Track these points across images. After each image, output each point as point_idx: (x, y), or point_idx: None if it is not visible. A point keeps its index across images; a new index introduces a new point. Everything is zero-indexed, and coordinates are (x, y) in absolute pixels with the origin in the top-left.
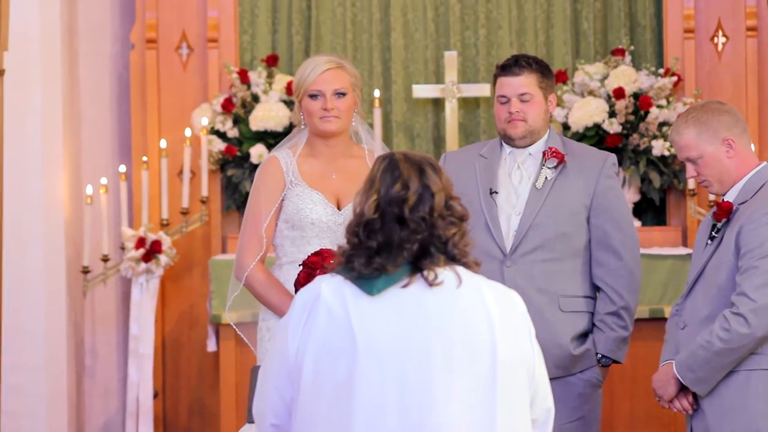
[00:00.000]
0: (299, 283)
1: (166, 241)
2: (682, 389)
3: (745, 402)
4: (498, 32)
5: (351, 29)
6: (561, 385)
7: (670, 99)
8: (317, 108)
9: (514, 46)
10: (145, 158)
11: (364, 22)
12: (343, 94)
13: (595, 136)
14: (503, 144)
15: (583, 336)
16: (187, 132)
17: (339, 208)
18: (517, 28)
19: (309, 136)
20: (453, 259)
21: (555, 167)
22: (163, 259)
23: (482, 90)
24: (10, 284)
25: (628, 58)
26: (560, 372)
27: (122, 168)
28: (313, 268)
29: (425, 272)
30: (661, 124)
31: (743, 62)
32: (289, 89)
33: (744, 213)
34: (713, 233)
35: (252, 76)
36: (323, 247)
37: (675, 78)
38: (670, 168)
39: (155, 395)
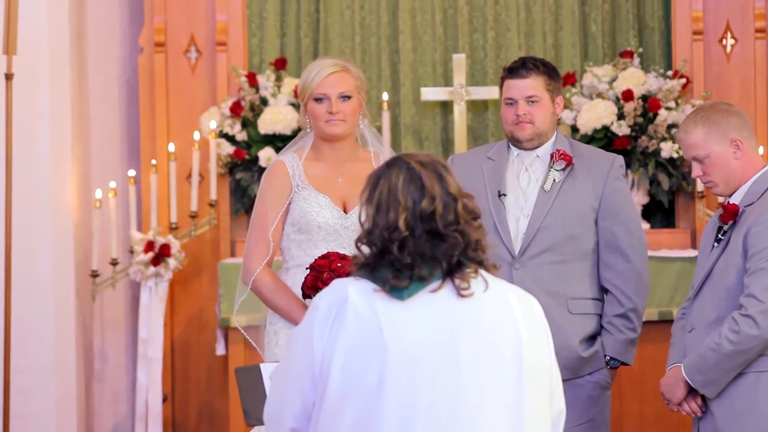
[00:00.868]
0: (306, 287)
1: (175, 245)
2: (691, 392)
3: (754, 404)
4: (506, 35)
5: (359, 32)
6: (570, 388)
7: (679, 101)
8: (322, 111)
9: (522, 48)
10: (154, 162)
11: (373, 25)
12: (348, 97)
13: (603, 139)
14: (510, 146)
15: (592, 338)
16: (196, 135)
17: (345, 212)
18: (526, 30)
19: (315, 139)
20: (479, 263)
21: (563, 169)
22: (172, 262)
23: (491, 93)
24: (20, 288)
25: (636, 60)
26: (569, 374)
27: (131, 172)
28: (320, 271)
29: (456, 281)
30: (670, 126)
31: (752, 64)
32: (297, 92)
33: (751, 215)
34: (719, 236)
35: (260, 79)
36: (330, 251)
37: (684, 80)
38: (679, 170)
39: (164, 399)
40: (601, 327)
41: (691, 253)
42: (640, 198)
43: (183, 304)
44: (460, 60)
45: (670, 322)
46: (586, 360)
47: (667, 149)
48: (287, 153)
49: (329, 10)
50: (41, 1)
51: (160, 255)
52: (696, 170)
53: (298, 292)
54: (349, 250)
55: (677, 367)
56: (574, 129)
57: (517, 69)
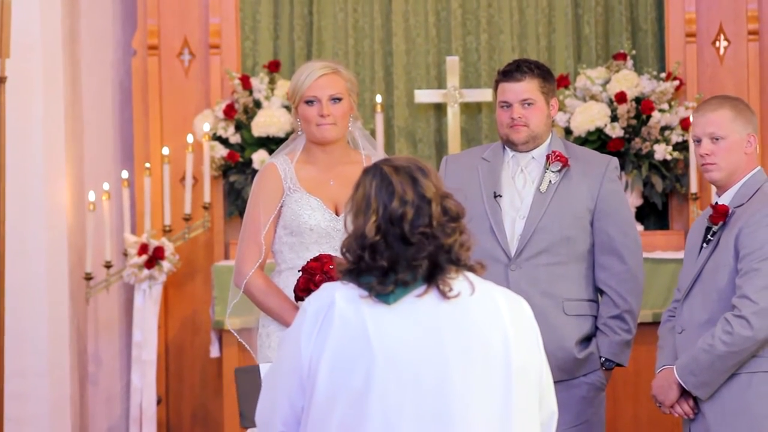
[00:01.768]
0: (298, 289)
1: (169, 248)
2: (683, 394)
3: (747, 405)
4: (500, 37)
5: (353, 35)
6: (565, 389)
7: (672, 103)
8: (313, 114)
9: (515, 50)
10: (147, 164)
11: (366, 27)
12: (339, 99)
13: (597, 141)
14: (505, 147)
15: (587, 339)
16: (189, 138)
17: (337, 214)
18: (519, 32)
19: (306, 142)
20: (459, 264)
21: (559, 171)
22: (165, 265)
23: (484, 95)
24: (13, 291)
25: (629, 62)
26: (564, 375)
27: (125, 174)
28: (312, 273)
29: (440, 285)
30: (663, 128)
31: (745, 66)
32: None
33: (741, 216)
34: (709, 236)
35: (254, 81)
36: (322, 253)
37: (677, 82)
38: (673, 172)
39: (158, 401)
40: (596, 328)
41: None
42: (633, 200)
43: (177, 306)
44: (453, 62)
45: None
46: (582, 361)
47: (661, 151)
48: (279, 156)
49: (322, 12)
50: (34, 4)
51: (154, 258)
52: (706, 147)
53: (291, 295)
54: (340, 253)
55: (669, 369)
56: (568, 131)
57: (512, 72)
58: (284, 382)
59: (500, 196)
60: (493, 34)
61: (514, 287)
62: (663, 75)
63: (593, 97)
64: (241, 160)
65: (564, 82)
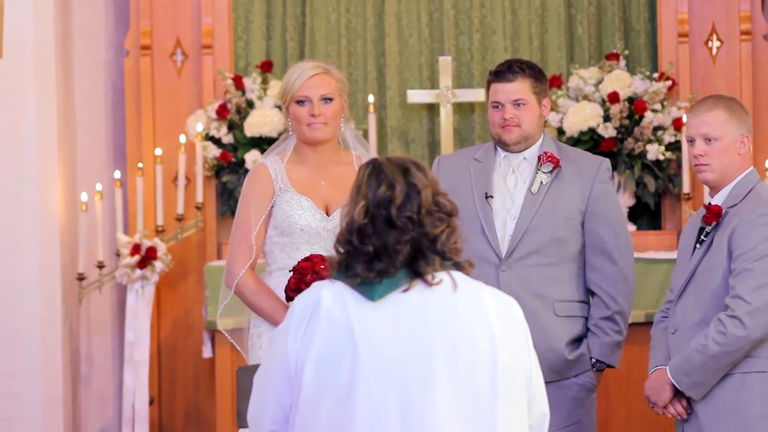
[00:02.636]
0: (289, 289)
1: (162, 248)
2: (676, 394)
3: (740, 405)
4: (492, 37)
5: (345, 35)
6: (555, 390)
7: (665, 103)
8: (304, 114)
9: (508, 51)
10: (140, 165)
11: (359, 28)
12: (330, 99)
13: (590, 141)
14: (497, 148)
15: (578, 341)
16: (182, 138)
17: (328, 214)
18: (512, 33)
19: (297, 142)
20: (445, 258)
21: (550, 172)
22: (158, 265)
23: (477, 95)
24: (5, 291)
25: (622, 62)
26: (555, 376)
27: (117, 174)
28: (303, 273)
29: (423, 274)
30: (656, 129)
31: (737, 66)
32: None
33: (734, 217)
34: (702, 237)
35: (246, 82)
36: (313, 253)
37: (669, 82)
38: (665, 172)
39: (151, 402)
40: (587, 329)
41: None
42: (626, 200)
43: (169, 306)
44: (446, 62)
45: None
46: (572, 362)
47: (654, 151)
48: (269, 156)
49: (315, 12)
50: (27, 5)
51: (147, 258)
52: (699, 148)
53: (282, 295)
54: (331, 253)
55: (662, 369)
56: (561, 131)
57: (504, 72)
58: (273, 381)
59: (491, 196)
60: (486, 35)
61: (505, 288)
62: (656, 75)
63: (586, 97)
64: (233, 160)
65: (557, 82)
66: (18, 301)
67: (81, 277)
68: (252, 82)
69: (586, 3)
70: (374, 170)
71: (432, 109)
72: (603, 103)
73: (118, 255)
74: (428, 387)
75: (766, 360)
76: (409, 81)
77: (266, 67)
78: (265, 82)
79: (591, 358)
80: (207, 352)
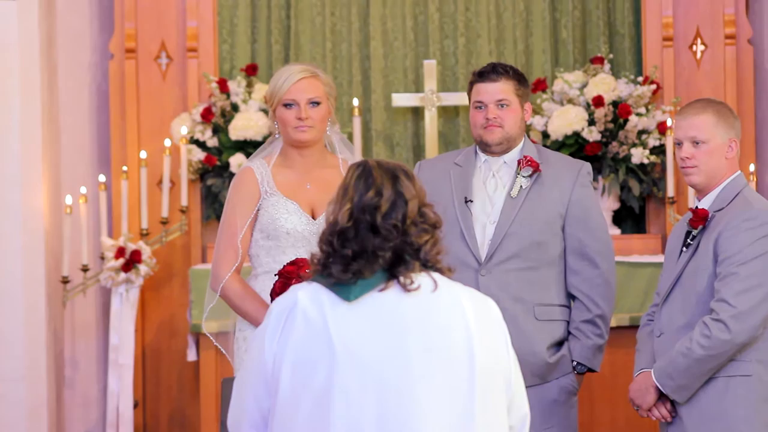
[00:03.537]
0: (275, 293)
1: (146, 251)
2: (661, 397)
3: (724, 408)
4: (477, 41)
5: (330, 38)
6: (537, 393)
7: (649, 107)
8: (292, 117)
9: (493, 54)
10: (124, 168)
11: (344, 31)
12: (318, 103)
13: (574, 145)
14: (478, 152)
15: (559, 344)
16: (167, 142)
17: (314, 218)
18: (497, 36)
19: (283, 145)
20: (426, 266)
21: (530, 176)
22: (142, 268)
23: (462, 99)
24: None
25: (607, 66)
26: (536, 380)
27: (102, 178)
28: (288, 277)
29: (401, 278)
30: (641, 132)
31: (722, 70)
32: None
33: (721, 220)
34: (689, 240)
35: (231, 85)
36: (299, 257)
37: (654, 86)
38: (650, 176)
39: (135, 405)
40: (569, 333)
41: (662, 258)
42: (610, 203)
43: (154, 310)
44: (431, 66)
45: None
46: (553, 365)
47: (638, 155)
48: (255, 160)
49: (300, 16)
50: (11, 8)
51: (131, 261)
52: (686, 150)
53: (267, 299)
54: (317, 245)
55: (647, 372)
56: (545, 135)
57: (488, 73)
58: (251, 384)
59: (471, 201)
60: (471, 38)
61: (485, 292)
62: (640, 79)
63: (570, 101)
64: (218, 163)
65: (541, 85)
66: (2, 304)
67: (65, 281)
68: (237, 86)
69: (571, 7)
70: (363, 174)
71: (417, 112)
72: (588, 106)
73: (102, 258)
74: (405, 386)
75: (751, 364)
76: (393, 84)
77: (251, 71)
78: (249, 85)
79: (572, 361)
80: (191, 356)
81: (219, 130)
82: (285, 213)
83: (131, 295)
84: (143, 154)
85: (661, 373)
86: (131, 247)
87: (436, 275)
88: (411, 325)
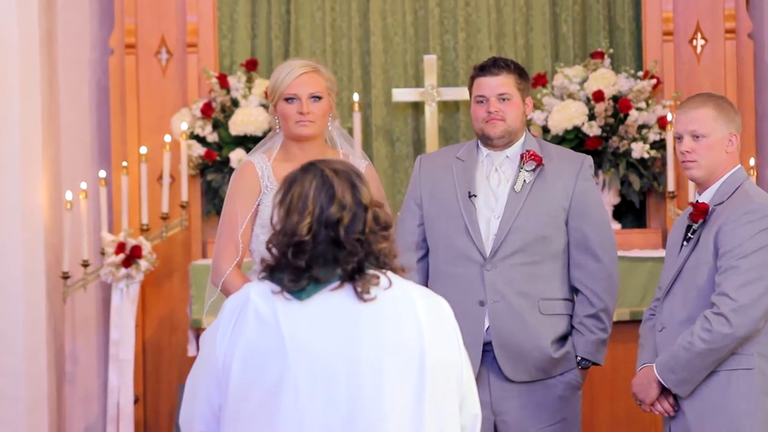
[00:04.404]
0: None
1: (146, 246)
2: (663, 391)
3: (726, 402)
4: (477, 36)
5: (330, 33)
6: (541, 388)
7: (650, 101)
8: (293, 112)
9: (493, 49)
10: (124, 163)
11: (344, 26)
12: (319, 98)
13: (574, 139)
14: (480, 146)
15: (563, 339)
16: (167, 137)
17: None
18: (497, 31)
19: (284, 140)
20: (382, 267)
21: (533, 170)
22: (143, 264)
23: (462, 93)
24: None
25: (607, 61)
26: (540, 375)
27: (102, 173)
28: None
29: (358, 287)
30: (641, 127)
31: (722, 64)
32: (267, 93)
33: (721, 214)
34: (689, 234)
35: (231, 80)
36: None
37: (654, 80)
38: (650, 170)
39: (136, 400)
40: (572, 327)
41: (662, 253)
42: (611, 198)
43: (154, 305)
44: (431, 61)
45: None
46: (558, 360)
47: (638, 150)
48: (256, 154)
49: (300, 11)
50: (11, 4)
51: (132, 256)
52: (687, 144)
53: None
54: (266, 248)
55: (649, 367)
56: (545, 130)
57: (489, 67)
58: (202, 381)
59: (475, 195)
60: (471, 33)
61: (490, 287)
62: (640, 73)
63: (571, 96)
64: (218, 158)
65: (541, 80)
66: (2, 300)
67: (66, 276)
68: (237, 81)
69: (571, 1)
70: (323, 184)
71: (417, 107)
72: (588, 101)
73: (102, 254)
74: (355, 383)
75: (752, 357)
76: (394, 79)
77: (251, 66)
78: (249, 80)
79: (576, 356)
80: (192, 351)
81: (219, 126)
82: None
83: (131, 290)
84: (143, 150)
85: (663, 368)
86: (131, 242)
87: (390, 274)
88: (362, 323)
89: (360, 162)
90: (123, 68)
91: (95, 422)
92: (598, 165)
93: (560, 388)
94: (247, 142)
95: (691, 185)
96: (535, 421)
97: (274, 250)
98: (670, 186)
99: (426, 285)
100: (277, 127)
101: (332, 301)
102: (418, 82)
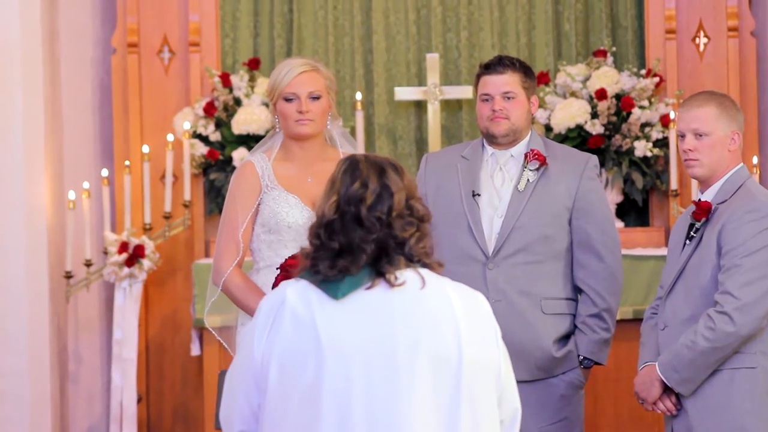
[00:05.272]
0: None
1: (149, 246)
2: (665, 390)
3: (729, 401)
4: (480, 34)
5: (333, 32)
6: (543, 387)
7: (652, 100)
8: (292, 111)
9: (496, 47)
10: (127, 162)
11: (346, 25)
12: (318, 97)
13: (577, 138)
14: (485, 145)
15: (566, 338)
16: (170, 136)
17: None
18: (499, 30)
19: (284, 139)
20: (413, 261)
21: (537, 169)
22: (146, 263)
23: (464, 92)
24: None
25: (609, 59)
26: (542, 374)
27: (105, 172)
28: (290, 271)
29: (386, 274)
30: (644, 125)
31: (725, 63)
32: None
33: (724, 213)
34: (692, 233)
35: (234, 79)
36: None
37: (657, 79)
38: (653, 169)
39: (139, 400)
40: (575, 327)
41: (665, 251)
42: (614, 197)
43: (157, 304)
44: (433, 59)
45: None
46: (560, 360)
47: (641, 148)
48: (256, 154)
49: (302, 10)
50: (13, 3)
51: (134, 256)
52: (689, 142)
53: (269, 293)
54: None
55: (651, 365)
56: (548, 128)
57: (494, 65)
58: (241, 381)
59: (479, 194)
60: (474, 32)
61: (492, 286)
62: (643, 72)
63: (573, 94)
64: (221, 157)
65: (544, 79)
66: (5, 300)
67: (68, 276)
68: (239, 80)
69: (574, 0)
70: (350, 167)
71: (419, 106)
72: (590, 99)
73: (105, 253)
74: (392, 382)
75: (755, 356)
76: (396, 78)
77: (253, 65)
78: (252, 79)
79: (579, 356)
80: (195, 350)
81: (222, 125)
82: (286, 207)
83: (134, 289)
84: (146, 149)
85: (666, 366)
86: (134, 241)
87: (423, 271)
88: (398, 321)
89: None
90: (125, 67)
91: (98, 421)
92: (601, 163)
93: (562, 387)
94: (250, 141)
95: (694, 183)
96: (536, 419)
97: (312, 239)
98: (673, 184)
99: None
100: (277, 126)
101: (367, 300)
102: (421, 81)
